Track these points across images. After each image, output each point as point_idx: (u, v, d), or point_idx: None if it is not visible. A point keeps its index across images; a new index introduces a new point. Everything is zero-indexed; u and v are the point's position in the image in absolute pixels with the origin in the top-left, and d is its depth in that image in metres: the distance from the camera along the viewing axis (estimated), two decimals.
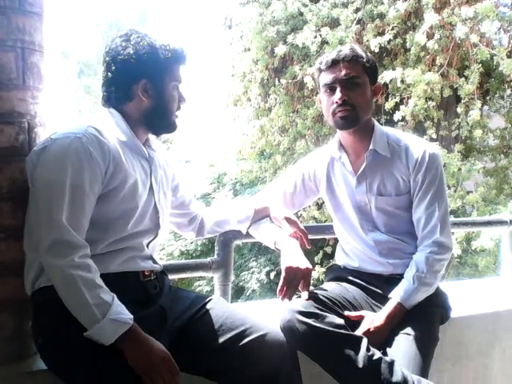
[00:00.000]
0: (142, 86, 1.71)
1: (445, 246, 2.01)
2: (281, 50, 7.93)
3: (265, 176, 9.91)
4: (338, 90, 1.98)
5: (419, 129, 7.77)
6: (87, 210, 1.59)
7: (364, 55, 2.02)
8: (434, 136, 7.47)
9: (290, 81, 8.53)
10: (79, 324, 1.51)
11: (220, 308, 1.82)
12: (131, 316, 1.54)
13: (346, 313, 1.95)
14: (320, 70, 2.05)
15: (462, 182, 7.70)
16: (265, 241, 2.10)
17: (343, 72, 1.97)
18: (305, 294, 1.86)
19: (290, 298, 1.85)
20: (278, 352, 1.74)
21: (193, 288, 10.50)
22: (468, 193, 7.77)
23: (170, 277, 2.00)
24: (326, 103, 2.04)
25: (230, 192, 11.76)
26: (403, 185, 2.05)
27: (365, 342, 1.79)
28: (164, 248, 12.04)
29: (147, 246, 1.81)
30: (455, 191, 7.54)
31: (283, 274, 1.87)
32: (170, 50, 1.74)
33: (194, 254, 11.19)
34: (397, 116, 7.28)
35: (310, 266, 1.89)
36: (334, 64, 1.99)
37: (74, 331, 1.51)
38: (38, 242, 1.54)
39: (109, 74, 1.73)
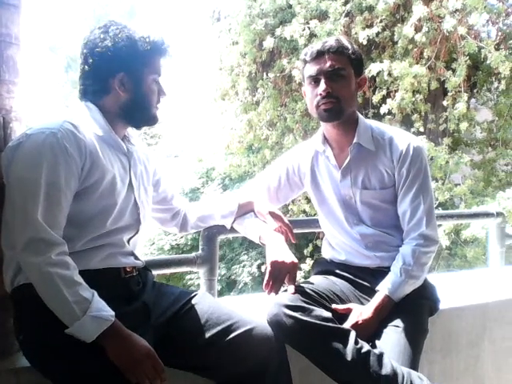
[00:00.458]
0: (118, 79, 1.66)
1: (431, 239, 1.99)
2: (269, 43, 7.90)
3: (254, 170, 9.88)
4: (323, 81, 1.94)
5: (406, 122, 7.78)
6: (64, 207, 1.55)
7: (350, 47, 1.99)
8: (422, 129, 7.47)
9: (277, 74, 8.50)
10: (60, 321, 1.48)
11: (205, 303, 1.80)
12: (112, 313, 1.51)
13: (334, 306, 1.93)
14: (305, 62, 2.02)
15: (449, 175, 7.72)
16: (249, 235, 2.08)
17: (328, 64, 1.94)
18: (291, 288, 1.84)
19: (276, 292, 1.83)
20: (265, 346, 1.72)
21: (184, 282, 10.52)
22: (456, 185, 7.80)
23: (155, 272, 1.98)
24: (311, 95, 2.01)
25: (219, 187, 11.77)
26: (388, 178, 2.02)
27: (353, 334, 1.77)
28: (154, 243, 12.07)
29: (128, 242, 1.77)
30: (443, 184, 7.56)
31: (268, 268, 1.85)
32: (150, 42, 1.68)
33: (185, 248, 11.23)
34: (384, 109, 7.26)
35: (296, 260, 1.87)
36: (318, 55, 1.96)
37: (54, 328, 1.48)
38: (14, 240, 1.51)
39: (86, 66, 1.68)
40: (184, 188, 12.34)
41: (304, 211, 8.53)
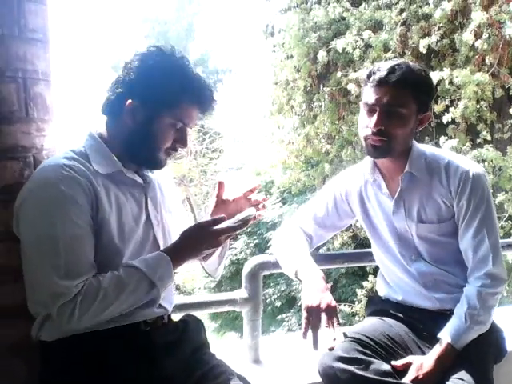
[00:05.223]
0: (132, 105, 1.47)
1: (498, 278, 1.78)
2: (322, 56, 7.74)
3: (313, 184, 9.69)
4: (376, 115, 1.73)
5: (472, 131, 7.42)
6: (86, 252, 1.42)
7: (419, 79, 1.75)
8: (489, 138, 7.10)
9: (334, 88, 8.31)
10: (82, 376, 1.41)
11: None
12: (155, 254, 1.49)
13: (393, 362, 1.73)
14: (366, 82, 1.80)
15: None
16: (285, 269, 1.92)
17: (387, 98, 1.72)
18: (339, 336, 1.66)
19: (315, 344, 1.64)
20: None
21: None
22: None
23: (194, 313, 1.82)
24: (362, 122, 1.81)
25: (278, 201, 11.60)
26: (446, 210, 1.82)
27: None
28: None
29: None
30: None
31: (304, 314, 1.67)
32: (187, 87, 1.48)
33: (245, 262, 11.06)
34: (446, 118, 6.95)
35: (334, 303, 1.66)
36: (380, 84, 1.74)
37: (82, 377, 1.41)
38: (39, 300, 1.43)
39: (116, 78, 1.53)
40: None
41: None
